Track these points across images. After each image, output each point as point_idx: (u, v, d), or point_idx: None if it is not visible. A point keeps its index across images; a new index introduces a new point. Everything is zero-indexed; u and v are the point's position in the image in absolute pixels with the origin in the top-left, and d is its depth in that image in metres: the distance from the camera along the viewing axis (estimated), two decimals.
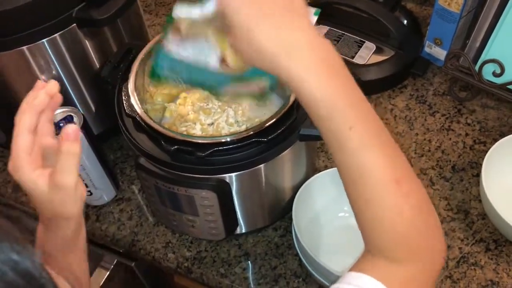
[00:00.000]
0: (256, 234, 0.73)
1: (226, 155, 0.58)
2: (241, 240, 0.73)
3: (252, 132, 0.57)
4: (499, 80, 0.74)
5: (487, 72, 0.75)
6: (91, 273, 0.75)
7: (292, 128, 0.59)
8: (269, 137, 0.57)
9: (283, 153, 0.60)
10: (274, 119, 0.58)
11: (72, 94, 0.75)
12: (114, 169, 0.83)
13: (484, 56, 0.74)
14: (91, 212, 0.79)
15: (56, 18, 0.64)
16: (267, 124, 0.57)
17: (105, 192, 0.77)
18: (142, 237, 0.75)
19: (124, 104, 0.63)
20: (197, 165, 0.57)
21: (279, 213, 0.71)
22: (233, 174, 0.59)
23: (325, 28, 0.91)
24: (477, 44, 0.77)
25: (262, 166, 0.60)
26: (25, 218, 0.33)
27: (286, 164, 0.64)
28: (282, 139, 0.59)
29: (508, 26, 0.71)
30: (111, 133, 0.85)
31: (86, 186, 0.74)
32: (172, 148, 0.57)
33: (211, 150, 0.57)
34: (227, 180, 0.60)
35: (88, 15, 0.65)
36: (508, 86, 0.73)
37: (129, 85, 0.63)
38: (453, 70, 0.78)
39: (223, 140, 0.57)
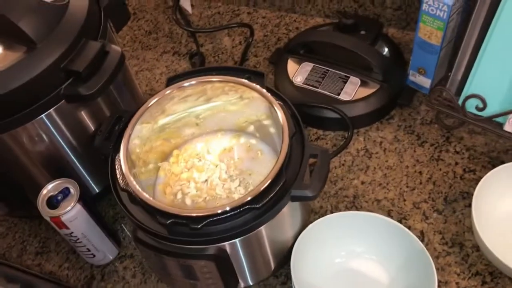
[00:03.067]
0: (257, 284, 0.74)
1: (221, 224, 0.59)
2: None
3: (244, 201, 0.58)
4: (483, 113, 0.75)
5: (471, 106, 0.76)
6: None
7: (283, 190, 0.61)
8: (262, 203, 0.59)
9: (278, 214, 0.61)
10: (265, 185, 0.59)
11: (72, 160, 0.76)
12: (115, 225, 0.85)
13: (466, 91, 0.76)
14: (95, 272, 0.80)
15: (45, 97, 0.65)
16: (258, 191, 0.59)
17: (107, 252, 0.79)
18: None
19: (118, 177, 0.64)
20: (193, 237, 0.59)
21: (282, 262, 0.72)
22: (231, 242, 0.60)
23: (310, 65, 0.92)
24: (459, 77, 0.78)
25: (258, 229, 0.61)
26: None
27: (283, 221, 0.65)
28: (274, 203, 0.60)
29: (487, 61, 0.72)
30: (109, 189, 0.86)
31: (88, 250, 0.75)
32: (168, 222, 0.59)
33: (206, 222, 0.58)
34: (226, 248, 0.61)
35: (76, 91, 0.66)
36: (493, 119, 0.75)
37: (120, 156, 0.65)
38: (438, 105, 0.79)
39: (217, 212, 0.58)
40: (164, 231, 0.60)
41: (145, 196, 0.60)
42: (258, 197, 0.59)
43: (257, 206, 0.59)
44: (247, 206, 0.59)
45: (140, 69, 1.07)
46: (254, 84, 0.67)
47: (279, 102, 0.66)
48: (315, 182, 0.61)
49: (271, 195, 0.59)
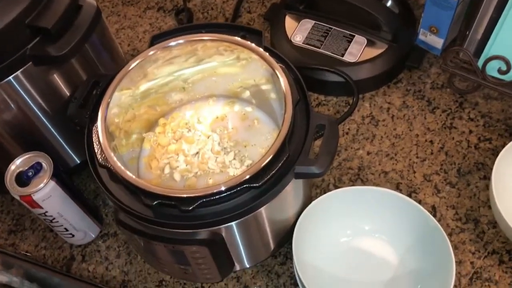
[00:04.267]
0: (255, 266, 0.68)
1: (216, 205, 0.52)
2: (239, 272, 0.68)
3: (242, 179, 0.51)
4: (506, 77, 0.68)
5: (492, 69, 0.68)
6: None
7: (286, 167, 0.53)
8: (262, 182, 0.51)
9: (280, 194, 0.54)
10: (266, 161, 0.51)
11: (47, 129, 0.68)
12: (96, 200, 0.77)
13: (487, 52, 0.68)
14: (75, 252, 0.73)
15: (8, 59, 0.56)
16: (258, 168, 0.51)
17: (88, 231, 0.71)
18: (133, 277, 0.70)
19: (96, 151, 0.56)
20: (184, 220, 0.52)
21: (282, 242, 0.66)
22: (227, 225, 0.53)
23: (310, 23, 0.83)
24: (478, 37, 0.70)
25: (258, 211, 0.54)
26: None
27: (284, 200, 0.58)
28: (276, 181, 0.53)
29: None
30: None
31: (66, 230, 0.68)
32: (154, 203, 0.51)
33: (198, 203, 0.51)
34: (221, 232, 0.54)
35: (44, 51, 0.57)
36: None
37: (98, 127, 0.56)
38: (453, 68, 0.71)
39: (211, 192, 0.50)
40: (150, 213, 0.53)
41: (127, 174, 0.52)
42: (257, 175, 0.51)
43: (257, 185, 0.51)
44: (245, 185, 0.51)
45: (121, 27, 0.96)
46: (252, 44, 0.58)
47: (281, 65, 0.58)
48: (323, 157, 0.53)
49: (273, 172, 0.52)
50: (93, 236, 0.73)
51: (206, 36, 0.59)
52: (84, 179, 0.80)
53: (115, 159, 0.52)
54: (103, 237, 0.74)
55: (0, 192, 0.79)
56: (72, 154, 0.75)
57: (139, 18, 0.97)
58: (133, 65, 0.59)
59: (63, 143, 0.72)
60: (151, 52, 0.59)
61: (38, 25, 0.56)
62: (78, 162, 0.76)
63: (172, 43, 0.60)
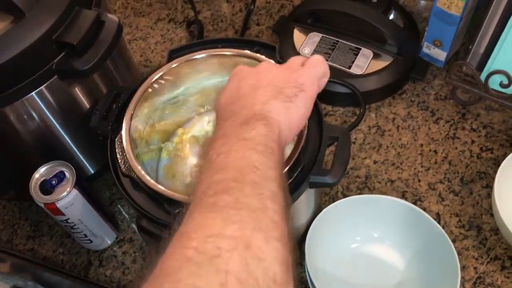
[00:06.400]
0: None
1: None
2: None
3: None
4: (507, 91, 0.71)
5: (494, 82, 0.72)
6: None
7: (301, 176, 0.56)
8: None
9: (295, 202, 0.57)
10: (285, 169, 0.54)
11: (65, 140, 0.70)
12: (111, 207, 0.80)
13: (489, 66, 0.71)
14: (93, 257, 0.76)
15: (35, 73, 0.59)
16: None
17: (105, 237, 0.74)
18: (134, 279, 0.72)
19: (119, 161, 0.59)
20: None
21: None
22: None
23: (318, 36, 0.86)
24: (481, 51, 0.73)
25: None
26: None
27: (298, 208, 0.61)
28: (292, 190, 0.55)
29: None
30: (106, 168, 0.80)
31: (85, 236, 0.70)
32: (176, 211, 0.54)
33: None
34: None
35: (69, 66, 0.59)
36: None
37: (123, 138, 0.59)
38: (457, 81, 0.74)
39: None
40: (172, 219, 0.55)
41: (152, 182, 0.55)
42: None
43: None
44: None
45: (133, 38, 0.99)
46: (268, 59, 0.61)
47: None
48: (336, 167, 0.56)
49: (289, 181, 0.55)
50: (110, 242, 0.75)
51: (226, 51, 0.62)
52: (100, 186, 0.82)
53: (140, 168, 0.55)
54: (119, 243, 0.76)
55: (19, 199, 0.81)
56: (87, 164, 0.77)
57: (150, 30, 1.00)
58: (156, 77, 0.61)
59: (78, 153, 0.74)
60: (174, 65, 0.62)
61: (64, 41, 0.59)
62: (92, 172, 0.78)
63: (196, 56, 0.62)
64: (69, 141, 0.71)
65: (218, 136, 0.43)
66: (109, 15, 0.63)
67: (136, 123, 0.60)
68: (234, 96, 0.47)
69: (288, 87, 0.46)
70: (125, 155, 0.57)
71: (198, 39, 0.94)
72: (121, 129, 0.59)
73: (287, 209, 0.38)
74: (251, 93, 0.46)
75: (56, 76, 0.61)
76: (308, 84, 0.47)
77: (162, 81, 0.63)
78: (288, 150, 0.56)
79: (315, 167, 0.56)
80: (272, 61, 0.61)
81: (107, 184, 0.82)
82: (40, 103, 0.64)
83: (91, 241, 0.72)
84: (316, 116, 0.60)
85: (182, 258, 0.33)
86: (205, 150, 0.42)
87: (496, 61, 0.70)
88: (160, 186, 0.54)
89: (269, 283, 0.31)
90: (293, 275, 0.34)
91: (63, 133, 0.70)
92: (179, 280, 0.31)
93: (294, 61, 0.50)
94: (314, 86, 0.48)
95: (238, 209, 0.35)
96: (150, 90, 0.61)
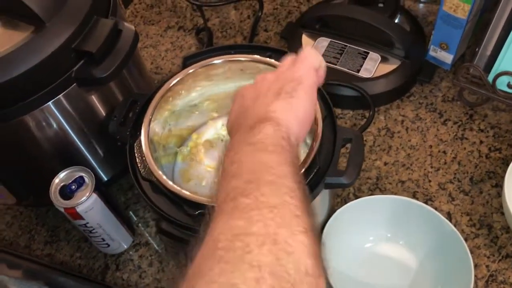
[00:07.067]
0: None
1: None
2: None
3: None
4: None
5: (501, 83, 0.73)
6: None
7: (317, 178, 0.57)
8: None
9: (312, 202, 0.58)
10: (301, 170, 0.56)
11: (82, 147, 0.72)
12: (126, 211, 0.81)
13: (497, 68, 0.72)
14: (109, 261, 0.77)
15: (55, 81, 0.60)
16: None
17: (122, 241, 0.75)
18: (166, 284, 0.74)
19: (139, 165, 0.60)
20: None
21: None
22: None
23: (326, 41, 0.88)
24: (488, 53, 0.75)
25: None
26: None
27: (314, 208, 0.62)
28: (309, 191, 0.57)
29: None
30: (120, 174, 0.82)
31: (103, 240, 0.72)
32: (196, 213, 0.55)
33: None
34: None
35: (88, 73, 0.61)
36: None
37: (142, 143, 0.60)
38: (464, 82, 0.76)
39: None
40: (191, 221, 0.57)
41: (172, 185, 0.56)
42: None
43: None
44: None
45: (144, 45, 1.01)
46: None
47: None
48: (351, 168, 0.57)
49: (305, 183, 0.56)
50: (126, 246, 0.77)
51: (240, 57, 0.64)
52: (114, 192, 0.84)
53: (160, 172, 0.57)
54: (135, 247, 0.78)
55: (37, 204, 0.83)
56: (101, 171, 0.78)
57: (160, 37, 1.02)
58: (173, 82, 0.63)
59: (93, 161, 0.76)
60: (190, 71, 0.63)
61: (83, 49, 0.60)
62: (106, 179, 0.80)
63: (214, 62, 0.64)
64: (84, 148, 0.73)
65: (230, 148, 0.44)
66: (125, 23, 0.64)
67: (155, 127, 0.62)
68: (239, 113, 0.49)
69: (286, 84, 0.47)
70: (145, 159, 0.59)
71: (208, 46, 0.96)
72: (139, 134, 0.61)
73: (308, 203, 0.39)
74: (253, 104, 0.48)
75: (74, 84, 0.62)
76: (305, 76, 0.48)
77: (179, 86, 0.64)
78: (303, 153, 0.58)
79: (331, 168, 0.58)
80: None
81: (122, 189, 0.83)
82: (58, 111, 0.65)
83: (109, 245, 0.73)
84: (329, 118, 0.62)
85: (213, 258, 0.34)
86: (221, 163, 0.44)
87: (503, 63, 0.72)
88: (180, 189, 0.56)
89: (301, 276, 0.32)
90: (324, 268, 0.35)
91: (78, 141, 0.71)
92: (213, 281, 0.32)
93: (285, 61, 0.51)
94: (311, 76, 0.49)
95: (259, 209, 0.36)
96: (168, 94, 0.63)
